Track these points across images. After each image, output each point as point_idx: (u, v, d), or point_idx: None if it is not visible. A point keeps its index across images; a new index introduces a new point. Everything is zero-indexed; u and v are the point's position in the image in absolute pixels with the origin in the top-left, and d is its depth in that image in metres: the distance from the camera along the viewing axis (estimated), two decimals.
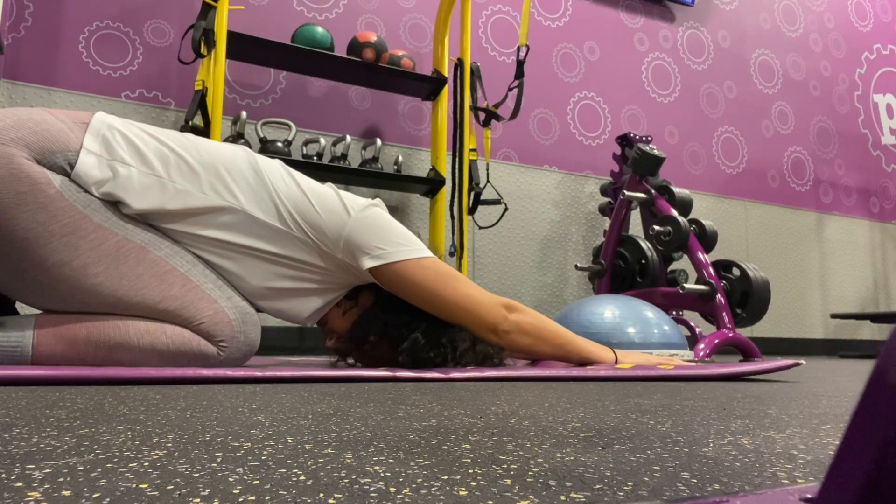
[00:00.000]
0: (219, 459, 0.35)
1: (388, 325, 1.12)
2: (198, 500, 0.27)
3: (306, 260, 1.07)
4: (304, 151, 2.33)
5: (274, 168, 1.08)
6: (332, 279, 1.10)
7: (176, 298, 0.96)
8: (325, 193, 1.09)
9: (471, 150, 2.45)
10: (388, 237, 1.07)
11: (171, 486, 0.29)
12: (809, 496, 0.26)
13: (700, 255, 2.35)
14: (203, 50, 1.99)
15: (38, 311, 0.98)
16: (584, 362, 1.19)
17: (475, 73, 2.52)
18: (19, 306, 1.10)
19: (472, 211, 2.44)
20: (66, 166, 0.94)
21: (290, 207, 1.04)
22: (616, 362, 1.20)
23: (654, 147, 2.57)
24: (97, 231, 0.93)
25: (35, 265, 0.91)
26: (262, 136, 2.27)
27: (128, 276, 0.94)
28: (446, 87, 2.58)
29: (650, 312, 1.93)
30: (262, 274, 1.05)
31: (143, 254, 0.95)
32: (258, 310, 1.10)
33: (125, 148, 0.99)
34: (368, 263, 1.05)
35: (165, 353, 0.95)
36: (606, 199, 2.93)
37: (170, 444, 0.39)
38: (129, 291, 0.94)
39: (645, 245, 2.60)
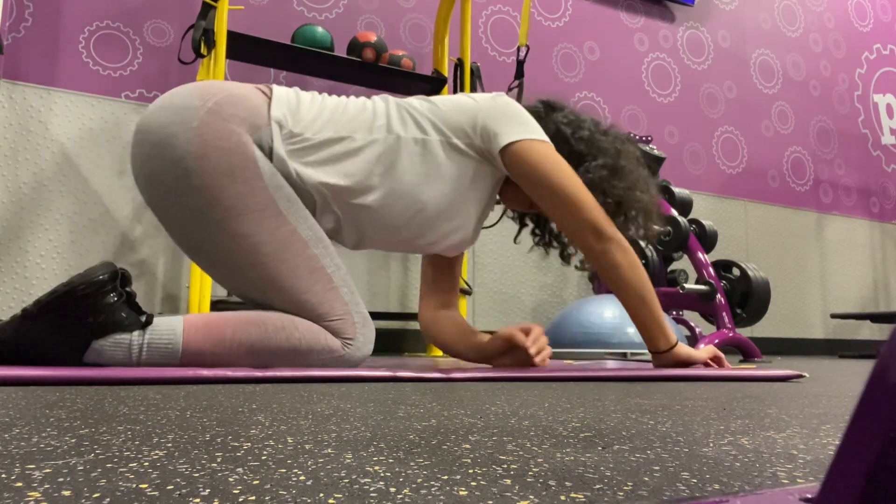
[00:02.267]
0: (219, 459, 0.35)
1: None
2: (198, 500, 0.27)
3: (457, 161, 1.15)
4: None
5: (410, 99, 1.21)
6: (481, 172, 1.17)
7: (318, 293, 1.05)
8: (455, 97, 1.21)
9: None
10: (515, 119, 1.15)
11: (171, 486, 0.29)
12: (809, 496, 0.26)
13: (700, 255, 2.35)
14: (203, 50, 1.99)
15: (169, 314, 1.05)
16: (653, 328, 1.19)
17: (475, 73, 2.52)
18: (141, 303, 1.13)
19: None
20: (269, 140, 1.06)
21: (429, 115, 1.15)
22: (667, 352, 1.20)
23: (654, 147, 2.57)
24: (278, 216, 1.03)
25: (224, 232, 1.01)
26: None
27: (288, 262, 1.04)
28: (446, 87, 2.58)
29: None
30: (434, 184, 1.14)
31: (303, 247, 1.05)
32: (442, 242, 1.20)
33: (303, 116, 1.10)
34: (499, 144, 1.13)
35: (299, 348, 1.02)
36: None
37: (170, 444, 0.39)
38: (285, 276, 1.03)
39: (645, 245, 2.60)
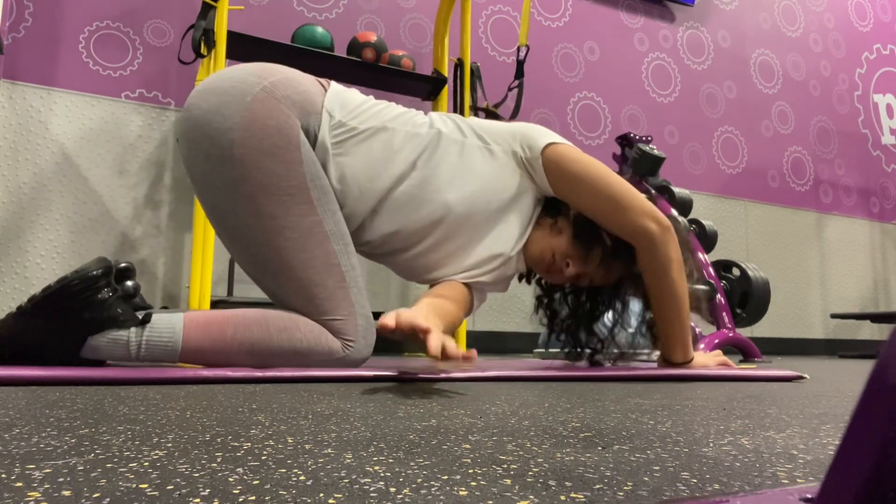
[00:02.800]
0: (219, 459, 0.35)
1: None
2: (198, 500, 0.27)
3: (493, 167, 1.16)
4: None
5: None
6: (517, 185, 1.17)
7: (328, 289, 1.05)
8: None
9: None
10: (551, 133, 1.20)
11: (171, 486, 0.29)
12: (809, 496, 0.26)
13: (700, 255, 2.34)
14: (203, 50, 1.99)
15: (180, 310, 1.04)
16: (675, 338, 1.22)
17: (475, 73, 2.52)
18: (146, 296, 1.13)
19: None
20: (317, 127, 1.08)
21: (470, 124, 1.20)
22: (679, 365, 1.23)
23: (654, 147, 2.57)
24: (307, 204, 1.04)
25: (253, 207, 1.03)
26: None
27: (307, 252, 1.04)
28: (446, 87, 2.58)
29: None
30: (461, 194, 1.13)
31: (324, 240, 1.06)
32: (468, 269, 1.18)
33: (352, 109, 1.12)
34: (540, 145, 1.15)
35: (299, 348, 1.02)
36: None
37: (170, 444, 0.39)
38: (302, 265, 1.04)
39: None
